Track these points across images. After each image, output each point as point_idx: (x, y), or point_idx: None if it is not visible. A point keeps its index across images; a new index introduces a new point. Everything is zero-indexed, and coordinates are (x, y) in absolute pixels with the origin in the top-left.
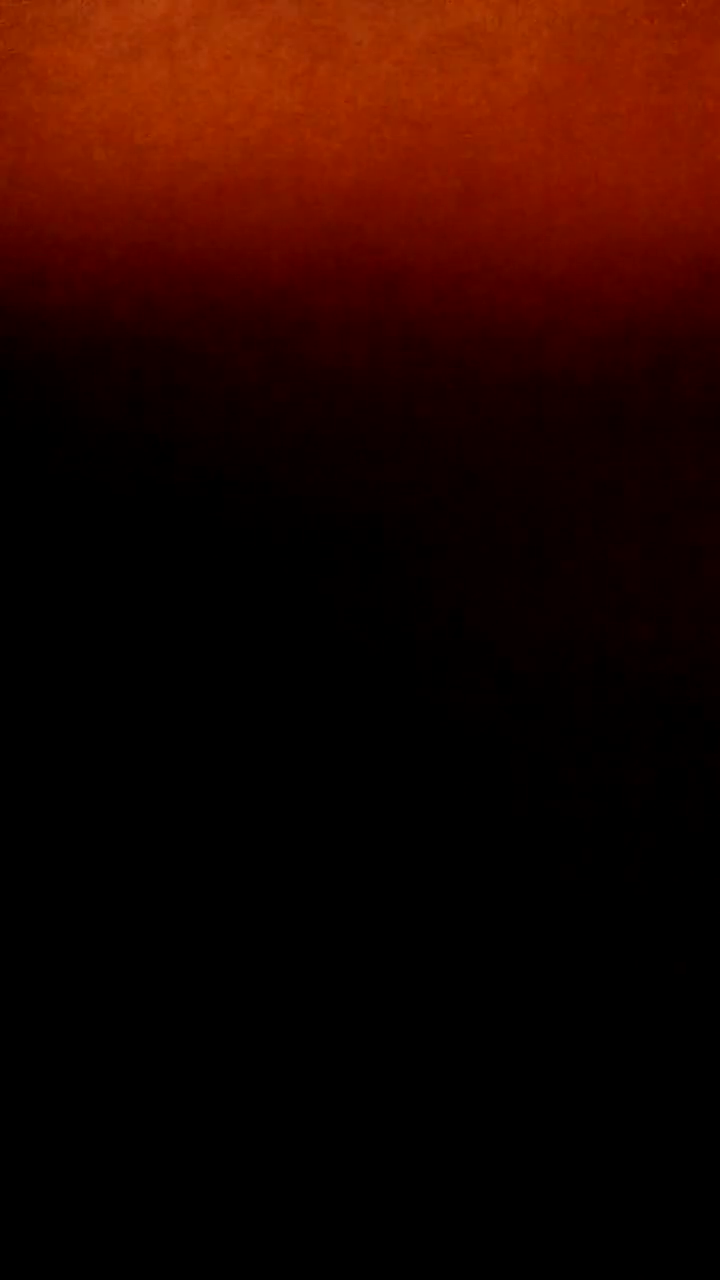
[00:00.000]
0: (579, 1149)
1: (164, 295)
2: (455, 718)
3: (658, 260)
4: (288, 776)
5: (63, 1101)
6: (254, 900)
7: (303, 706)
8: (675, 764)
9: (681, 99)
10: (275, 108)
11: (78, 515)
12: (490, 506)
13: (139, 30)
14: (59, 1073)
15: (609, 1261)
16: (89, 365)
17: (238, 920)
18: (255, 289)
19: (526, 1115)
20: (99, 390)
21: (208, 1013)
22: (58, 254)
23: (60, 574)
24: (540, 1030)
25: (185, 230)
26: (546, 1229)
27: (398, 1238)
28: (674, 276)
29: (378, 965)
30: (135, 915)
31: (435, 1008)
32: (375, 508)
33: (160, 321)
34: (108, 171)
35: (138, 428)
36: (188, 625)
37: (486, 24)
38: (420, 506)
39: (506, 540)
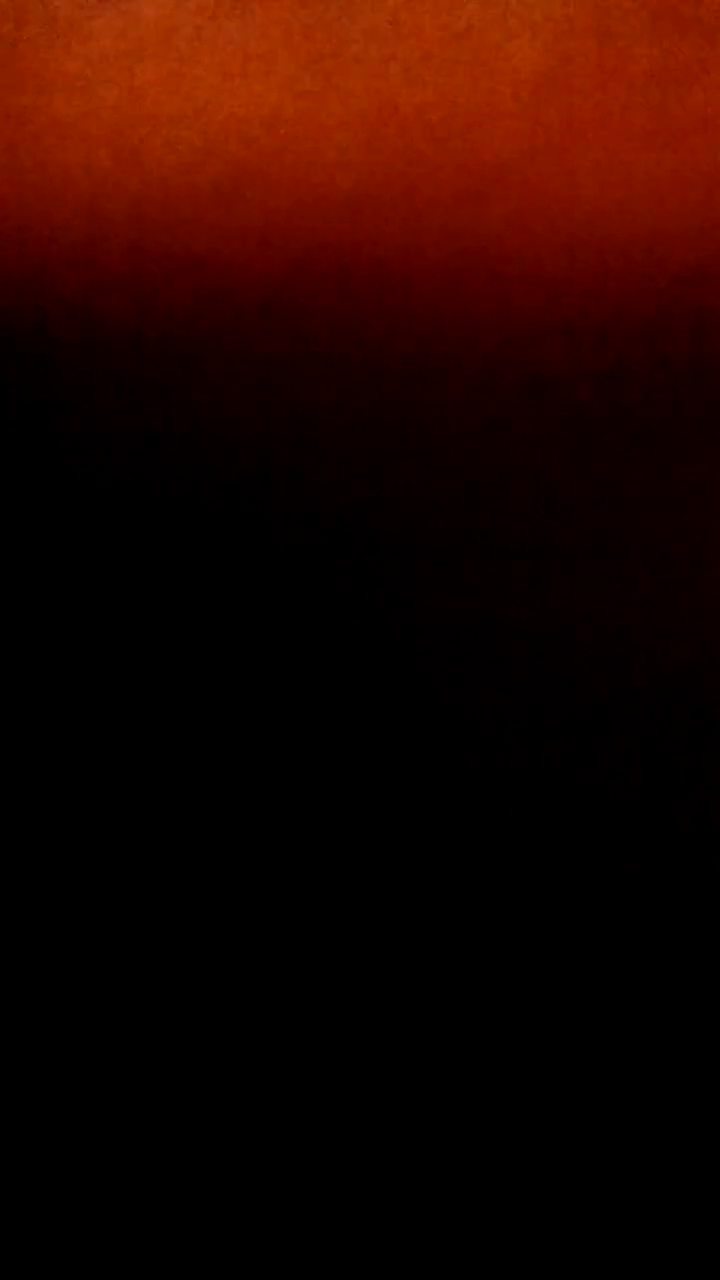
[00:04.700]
0: (579, 1149)
1: (164, 295)
2: (454, 717)
3: (658, 260)
4: (287, 776)
5: (62, 1101)
6: (256, 897)
7: (302, 705)
8: (676, 764)
9: (681, 99)
10: (275, 107)
11: (75, 514)
12: (490, 505)
13: (139, 30)
14: (59, 1072)
15: (609, 1261)
16: (88, 365)
17: (240, 915)
18: (255, 288)
19: (527, 1116)
20: (98, 390)
21: (207, 1010)
22: (57, 254)
23: (58, 573)
24: (539, 1028)
25: (185, 230)
26: (546, 1229)
27: (398, 1238)
28: (674, 276)
29: (377, 962)
30: (136, 912)
31: (435, 1006)
32: (374, 506)
33: (160, 321)
34: (108, 171)
35: (137, 427)
36: (186, 624)
37: (486, 24)
38: (420, 505)
39: (506, 540)
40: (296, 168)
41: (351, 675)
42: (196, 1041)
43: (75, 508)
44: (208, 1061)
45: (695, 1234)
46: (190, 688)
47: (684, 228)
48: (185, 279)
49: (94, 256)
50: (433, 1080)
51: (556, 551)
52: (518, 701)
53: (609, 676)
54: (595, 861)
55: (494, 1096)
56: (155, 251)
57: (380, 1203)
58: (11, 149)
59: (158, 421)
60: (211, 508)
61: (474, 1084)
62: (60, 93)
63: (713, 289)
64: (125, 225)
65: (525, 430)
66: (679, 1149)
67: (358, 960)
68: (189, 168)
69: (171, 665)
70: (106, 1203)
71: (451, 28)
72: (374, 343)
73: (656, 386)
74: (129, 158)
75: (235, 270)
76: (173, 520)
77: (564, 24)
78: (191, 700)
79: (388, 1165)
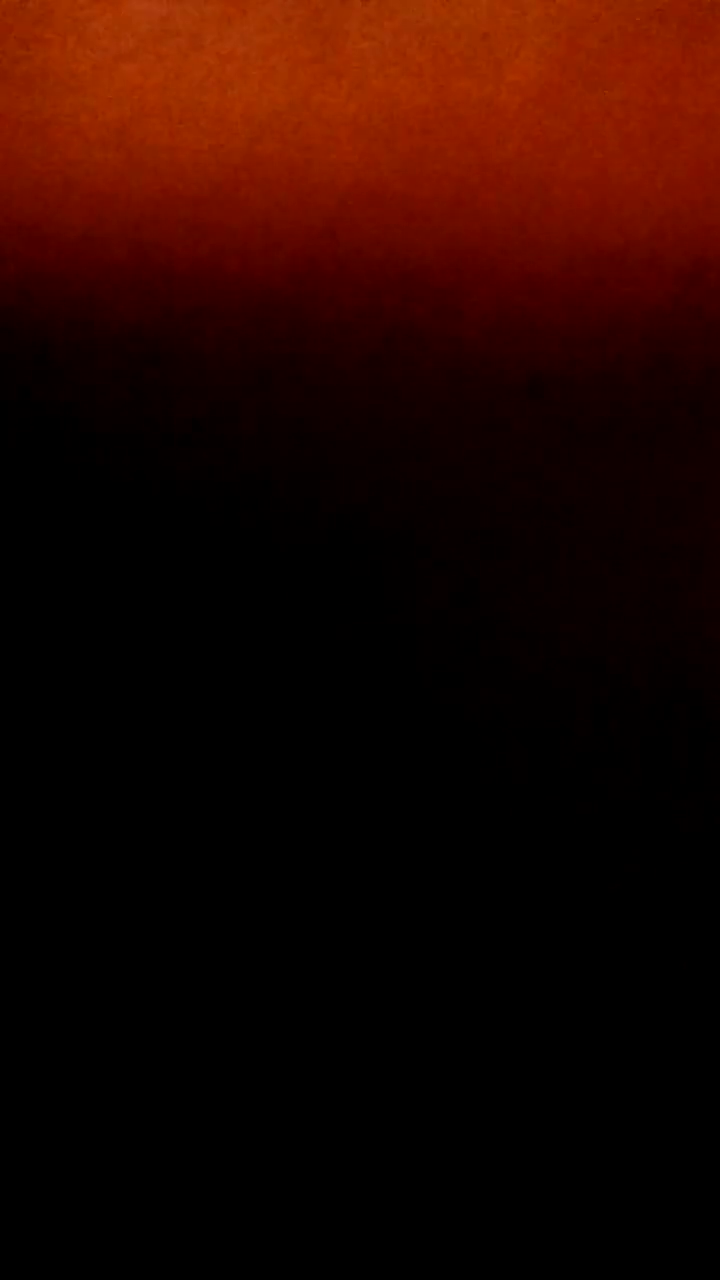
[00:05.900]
0: (579, 1150)
1: (163, 296)
2: (454, 717)
3: (658, 260)
4: (286, 776)
5: (62, 1101)
6: (255, 895)
7: (302, 705)
8: (676, 764)
9: (681, 99)
10: (275, 108)
11: (75, 515)
12: (490, 506)
13: (139, 30)
14: (59, 1073)
15: (609, 1261)
16: (87, 365)
17: (240, 912)
18: (254, 289)
19: (527, 1116)
20: (98, 390)
21: (206, 1008)
22: (57, 254)
23: (59, 573)
24: (539, 1028)
25: (184, 230)
26: (546, 1229)
27: (398, 1238)
28: (674, 276)
29: (377, 962)
30: (134, 909)
31: (435, 1006)
32: (374, 506)
33: (159, 321)
34: (107, 171)
35: (136, 428)
36: (186, 624)
37: (486, 24)
38: (420, 505)
39: (506, 540)
40: (296, 168)
41: (351, 675)
42: (195, 1039)
43: (75, 508)
44: (206, 1059)
45: (695, 1233)
46: (191, 687)
47: (684, 228)
48: (185, 279)
49: (94, 256)
50: (433, 1079)
51: (556, 551)
52: (518, 701)
53: (609, 677)
54: (595, 861)
55: (495, 1096)
56: (155, 251)
57: (380, 1201)
58: (11, 149)
59: (158, 421)
60: (211, 508)
61: (475, 1083)
62: (60, 93)
63: (713, 289)
64: (125, 225)
65: (525, 430)
66: (679, 1148)
67: (357, 960)
68: (188, 167)
69: (172, 665)
70: (106, 1201)
71: (452, 27)
72: (374, 342)
73: (656, 386)
74: (129, 157)
75: (235, 270)
76: (172, 520)
77: (564, 24)
78: (192, 700)
79: (387, 1163)
